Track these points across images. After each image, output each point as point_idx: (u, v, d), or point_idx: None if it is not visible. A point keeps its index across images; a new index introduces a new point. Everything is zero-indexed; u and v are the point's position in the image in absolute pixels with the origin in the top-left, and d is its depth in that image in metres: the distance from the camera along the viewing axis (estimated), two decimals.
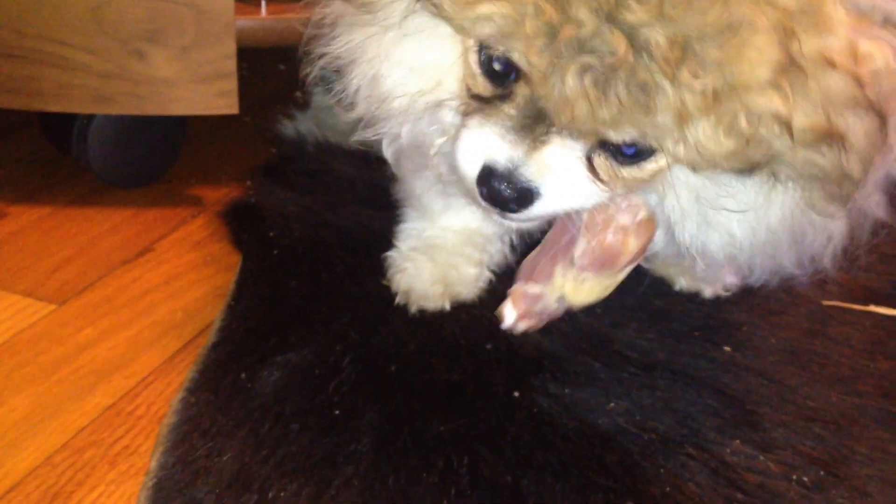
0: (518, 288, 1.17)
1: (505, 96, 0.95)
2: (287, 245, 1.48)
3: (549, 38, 0.85)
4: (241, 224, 1.56)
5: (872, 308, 1.38)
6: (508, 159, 0.96)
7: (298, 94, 2.04)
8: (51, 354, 1.26)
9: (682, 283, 1.41)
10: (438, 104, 1.03)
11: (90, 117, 1.59)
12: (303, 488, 1.03)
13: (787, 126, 0.86)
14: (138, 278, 1.43)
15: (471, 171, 0.99)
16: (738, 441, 1.13)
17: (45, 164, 1.77)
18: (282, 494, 1.02)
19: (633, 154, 0.95)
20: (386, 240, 1.45)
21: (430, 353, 1.25)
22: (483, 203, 1.00)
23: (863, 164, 0.90)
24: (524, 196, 0.97)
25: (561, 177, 0.96)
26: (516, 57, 0.89)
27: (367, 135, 1.15)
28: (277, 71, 2.23)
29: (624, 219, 1.06)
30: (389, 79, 1.04)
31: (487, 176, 0.97)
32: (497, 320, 1.19)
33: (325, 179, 1.71)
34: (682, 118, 0.85)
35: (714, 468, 1.09)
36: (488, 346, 1.27)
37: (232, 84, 1.51)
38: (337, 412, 1.14)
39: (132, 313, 1.35)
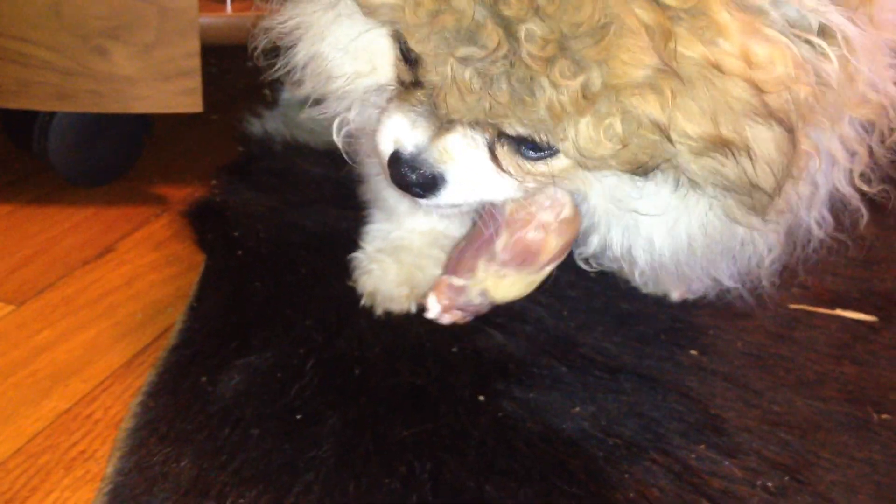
0: (443, 280, 1.15)
1: (420, 82, 0.95)
2: (251, 245, 1.46)
3: (430, 26, 0.85)
4: (204, 224, 1.54)
5: (839, 312, 1.38)
6: (414, 144, 0.96)
7: (267, 91, 2.02)
8: (7, 357, 1.23)
9: (649, 286, 1.41)
10: (379, 88, 1.03)
11: (51, 115, 1.57)
12: (262, 495, 1.01)
13: (663, 131, 0.84)
14: (99, 279, 1.41)
15: (384, 155, 0.99)
16: (702, 446, 1.12)
17: (5, 162, 1.74)
18: (240, 501, 1.01)
19: (535, 149, 0.94)
20: (352, 240, 1.43)
21: (394, 357, 1.24)
22: (394, 187, 1.01)
23: (775, 175, 0.88)
24: (430, 182, 0.97)
25: (464, 165, 0.96)
26: (412, 44, 0.89)
27: (314, 113, 1.14)
28: (246, 68, 2.20)
29: (546, 216, 1.05)
30: (328, 59, 1.04)
31: (395, 160, 0.98)
32: (428, 311, 1.17)
33: (291, 179, 1.69)
34: (558, 116, 0.84)
35: (678, 473, 1.08)
36: (454, 350, 1.26)
37: (196, 82, 1.49)
38: (298, 417, 1.12)
39: (91, 315, 1.32)
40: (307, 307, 1.32)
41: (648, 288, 1.41)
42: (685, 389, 1.21)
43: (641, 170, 0.91)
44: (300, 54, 1.07)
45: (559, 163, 0.95)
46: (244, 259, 1.43)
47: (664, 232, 1.00)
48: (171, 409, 1.13)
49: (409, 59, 0.95)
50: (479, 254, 1.11)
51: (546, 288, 1.39)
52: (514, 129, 0.90)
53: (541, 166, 0.96)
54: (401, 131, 0.98)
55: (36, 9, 1.43)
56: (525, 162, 0.96)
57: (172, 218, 1.58)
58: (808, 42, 0.84)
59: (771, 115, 0.83)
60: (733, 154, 0.86)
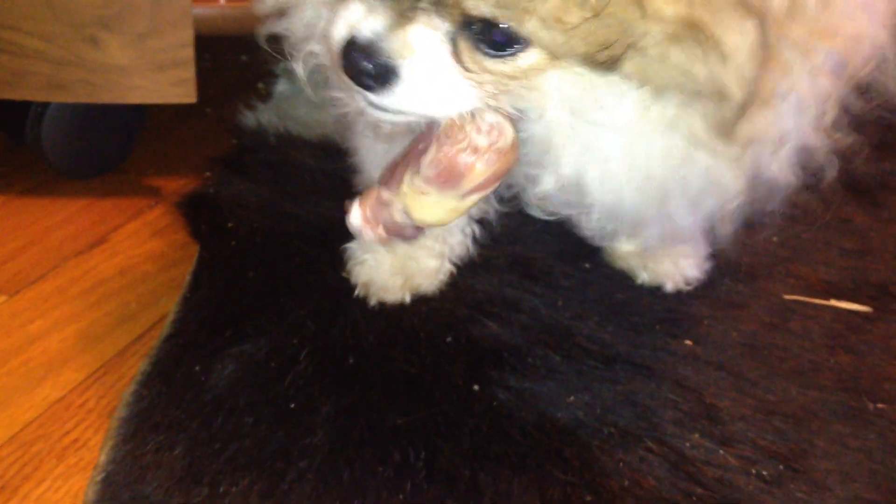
0: (372, 190, 1.09)
1: None
2: (245, 236, 1.45)
3: None
4: (198, 215, 1.53)
5: (833, 302, 1.38)
6: (371, 31, 0.91)
7: (261, 84, 2.02)
8: (0, 346, 1.22)
9: (644, 276, 1.41)
10: None
11: (44, 105, 1.56)
12: (255, 483, 1.01)
13: (637, 1, 0.80)
14: (92, 269, 1.40)
15: (336, 42, 0.94)
16: (697, 435, 1.12)
17: None
18: (233, 489, 1.00)
19: (500, 44, 0.88)
20: (345, 231, 1.42)
21: (388, 345, 1.24)
22: (345, 78, 0.94)
23: (742, 81, 0.84)
24: (383, 73, 0.91)
25: (423, 58, 0.91)
26: None
27: (277, 28, 1.09)
28: (240, 62, 2.20)
29: (480, 140, 0.98)
30: None
31: (349, 47, 0.92)
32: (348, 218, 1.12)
33: (285, 170, 1.68)
34: None
35: (673, 462, 1.08)
36: (448, 339, 1.25)
37: (189, 72, 1.48)
38: (292, 405, 1.12)
39: (84, 305, 1.32)
40: (301, 297, 1.32)
41: (644, 278, 1.40)
42: (680, 378, 1.21)
43: (608, 57, 0.86)
44: None
45: (522, 62, 0.90)
46: (238, 249, 1.42)
47: (621, 152, 0.96)
48: (164, 397, 1.13)
49: None
50: (407, 166, 1.04)
51: (540, 278, 1.41)
52: (478, 6, 0.85)
53: (502, 65, 0.90)
54: (357, 17, 0.92)
55: None
56: (487, 60, 0.90)
57: (166, 209, 1.58)
58: None
59: (745, 5, 0.80)
60: (704, 46, 0.82)
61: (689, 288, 1.39)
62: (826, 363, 1.25)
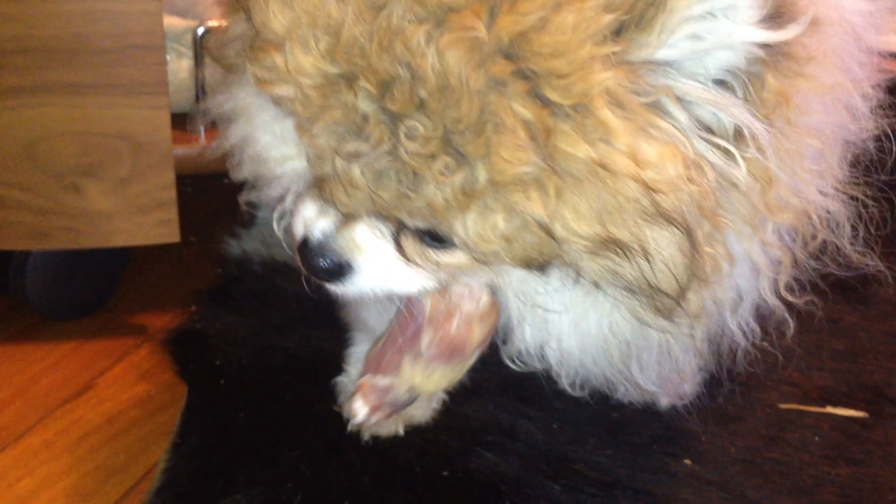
0: (367, 381, 1.12)
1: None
2: (234, 374, 1.44)
3: (320, 120, 0.85)
4: (186, 353, 1.52)
5: (829, 409, 1.37)
6: (321, 231, 0.97)
7: (244, 209, 2.02)
8: None
9: (576, 389, 1.38)
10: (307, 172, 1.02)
11: (27, 252, 1.56)
12: None
13: (546, 231, 0.83)
14: (79, 419, 1.38)
15: (296, 239, 1.00)
16: None
17: None
18: None
19: (439, 240, 0.92)
20: (335, 362, 1.42)
21: (385, 485, 1.22)
22: (304, 270, 1.00)
23: (676, 278, 0.86)
24: (338, 269, 0.97)
25: (371, 255, 0.96)
26: (304, 139, 0.89)
27: (251, 197, 1.17)
28: (222, 186, 2.21)
29: (468, 307, 1.03)
30: (258, 142, 1.05)
31: (304, 246, 0.98)
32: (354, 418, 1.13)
33: (271, 300, 1.68)
34: (441, 212, 0.84)
35: None
36: (445, 473, 1.24)
37: (172, 213, 1.49)
38: None
39: (72, 459, 1.30)
40: (293, 437, 1.30)
41: (578, 391, 1.39)
42: (682, 503, 1.19)
43: (536, 267, 0.90)
44: (233, 137, 1.09)
45: (463, 254, 0.93)
46: (227, 388, 1.41)
47: (571, 330, 0.99)
48: None
49: None
50: (402, 351, 1.08)
51: (534, 400, 1.40)
52: (411, 223, 0.90)
53: (447, 257, 0.94)
54: (309, 218, 0.98)
55: (9, 151, 1.43)
56: (431, 252, 0.94)
57: (153, 348, 1.57)
58: (715, 145, 0.83)
59: (664, 217, 0.81)
60: (627, 255, 0.84)
61: (683, 402, 1.38)
62: (827, 477, 1.24)
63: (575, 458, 1.27)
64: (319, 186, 0.94)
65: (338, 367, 1.41)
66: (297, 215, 0.99)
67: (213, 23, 1.59)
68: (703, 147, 0.83)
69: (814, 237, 0.98)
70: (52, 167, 1.44)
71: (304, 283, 1.06)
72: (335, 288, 1.00)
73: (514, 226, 0.84)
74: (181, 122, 1.61)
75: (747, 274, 0.98)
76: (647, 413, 1.37)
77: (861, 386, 1.43)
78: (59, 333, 1.61)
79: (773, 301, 1.02)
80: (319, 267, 0.97)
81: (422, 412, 1.34)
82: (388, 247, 0.95)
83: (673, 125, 0.81)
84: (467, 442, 1.30)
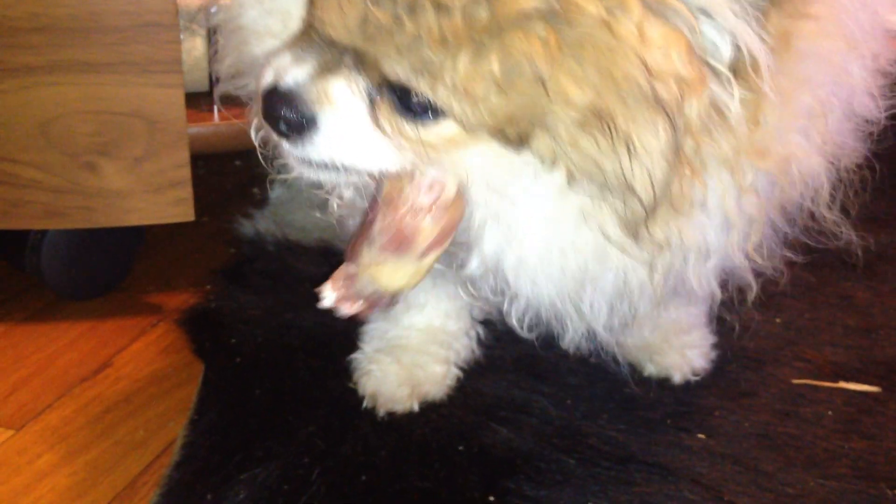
0: (342, 268, 1.07)
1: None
2: (249, 351, 1.45)
3: None
4: (201, 332, 1.53)
5: (842, 384, 1.38)
6: (293, 78, 0.93)
7: (256, 190, 2.03)
8: (9, 485, 1.21)
9: (651, 368, 1.40)
10: None
11: (43, 232, 1.56)
12: None
13: (540, 81, 0.81)
14: (97, 396, 1.39)
15: (262, 86, 0.95)
16: None
17: None
18: None
19: (417, 111, 0.90)
20: (350, 340, 1.43)
21: (400, 460, 1.22)
22: (264, 122, 0.96)
23: (652, 181, 0.85)
24: (300, 122, 0.93)
25: (341, 113, 0.92)
26: None
27: (230, 87, 1.14)
28: (234, 167, 2.22)
29: (422, 199, 0.98)
30: (245, 16, 1.05)
31: (271, 93, 0.94)
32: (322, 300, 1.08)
33: (285, 279, 1.69)
34: (436, 42, 0.81)
35: None
36: (460, 448, 1.24)
37: (187, 192, 1.49)
38: None
39: (92, 435, 1.31)
40: (309, 413, 1.31)
41: (651, 370, 1.40)
42: (696, 476, 1.19)
43: (514, 141, 0.88)
44: (220, 13, 1.10)
45: (440, 129, 0.91)
46: (243, 366, 1.42)
47: (534, 237, 0.97)
48: None
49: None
50: (363, 237, 1.04)
51: (547, 376, 1.41)
52: (395, 69, 0.86)
53: (421, 131, 0.91)
54: (283, 65, 0.94)
55: (25, 130, 1.44)
56: (404, 124, 0.91)
57: (168, 327, 1.57)
58: (714, 70, 0.83)
59: (658, 104, 0.81)
60: (612, 138, 0.83)
61: (696, 378, 1.39)
62: (841, 450, 1.25)
63: (589, 433, 1.28)
64: (309, 33, 0.92)
65: (352, 343, 1.42)
66: (268, 65, 0.95)
67: (226, 1, 1.59)
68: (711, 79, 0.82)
69: (792, 190, 0.96)
70: (67, 146, 1.45)
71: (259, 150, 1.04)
72: (293, 149, 0.96)
73: (507, 70, 0.82)
74: (193, 101, 1.62)
75: (718, 229, 0.96)
76: (660, 388, 1.38)
77: (874, 361, 1.43)
78: (76, 313, 1.62)
79: (738, 260, 1.00)
80: (281, 116, 0.93)
81: (436, 389, 1.35)
82: (361, 108, 0.92)
83: (685, 13, 0.80)
84: (482, 417, 1.30)
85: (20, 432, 1.31)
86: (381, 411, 1.31)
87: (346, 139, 0.94)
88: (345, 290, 1.05)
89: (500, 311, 1.39)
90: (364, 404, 1.32)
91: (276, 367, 1.41)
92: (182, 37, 1.54)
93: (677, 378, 1.39)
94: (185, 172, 1.49)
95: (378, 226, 1.01)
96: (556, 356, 1.44)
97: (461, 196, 0.99)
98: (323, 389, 1.36)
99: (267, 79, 0.95)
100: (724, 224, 0.96)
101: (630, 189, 0.86)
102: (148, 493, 1.19)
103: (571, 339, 1.18)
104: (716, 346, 1.43)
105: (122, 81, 1.42)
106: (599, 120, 0.83)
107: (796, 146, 0.93)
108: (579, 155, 0.86)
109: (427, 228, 0.99)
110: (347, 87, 0.92)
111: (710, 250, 0.98)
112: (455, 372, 1.38)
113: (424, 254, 1.01)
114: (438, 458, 1.22)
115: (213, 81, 1.64)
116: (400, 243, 1.00)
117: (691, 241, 0.94)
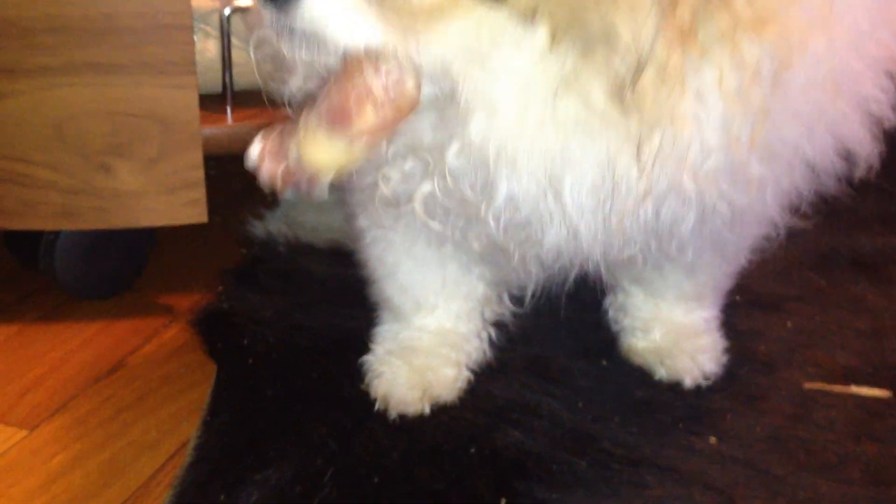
0: (277, 125, 1.04)
1: None
2: (261, 352, 1.46)
3: None
4: (214, 332, 1.53)
5: (853, 389, 1.37)
6: None
7: (267, 191, 2.04)
8: (23, 485, 1.22)
9: (661, 372, 1.40)
10: None
11: (56, 232, 1.57)
12: None
13: None
14: (111, 396, 1.40)
15: None
16: None
17: (10, 280, 1.74)
18: None
19: None
20: (361, 341, 1.43)
21: (412, 462, 1.23)
22: None
23: (634, 30, 0.81)
24: None
25: None
26: None
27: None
28: (245, 169, 2.22)
29: (375, 82, 0.94)
30: None
31: None
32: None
33: (297, 280, 1.70)
34: None
35: None
36: (471, 450, 1.25)
37: (200, 193, 1.50)
38: None
39: (105, 435, 1.31)
40: (321, 414, 1.31)
41: (661, 374, 1.40)
42: (708, 479, 1.19)
43: None
44: None
45: None
46: (255, 367, 1.42)
47: (515, 110, 0.92)
48: None
49: None
50: (312, 103, 1.00)
51: (558, 379, 1.41)
52: None
53: None
54: None
55: (39, 130, 1.45)
56: None
57: (181, 328, 1.58)
58: None
59: None
60: None
61: (708, 382, 1.39)
62: (853, 454, 1.24)
63: (600, 436, 1.28)
64: None
65: (364, 344, 1.42)
66: None
67: (240, 3, 1.60)
68: None
69: (791, 67, 0.88)
70: (81, 147, 1.46)
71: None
72: (277, 17, 0.93)
73: None
74: (206, 103, 1.63)
75: (716, 127, 0.89)
76: (671, 392, 1.38)
77: (885, 365, 1.43)
78: (89, 313, 1.63)
79: (741, 156, 0.92)
80: None
81: (447, 391, 1.35)
82: None
83: None
84: (493, 420, 1.31)
85: (34, 433, 1.32)
86: (393, 413, 1.31)
87: (330, 5, 0.92)
88: (273, 144, 1.02)
89: (511, 313, 1.42)
90: (376, 406, 1.33)
91: (287, 368, 1.42)
92: (195, 38, 1.55)
93: (688, 382, 1.39)
94: (199, 173, 1.49)
95: (322, 95, 0.98)
96: (568, 358, 1.45)
97: (413, 102, 0.96)
98: (335, 390, 1.37)
99: None
100: (722, 123, 0.90)
101: (612, 37, 0.83)
102: (161, 493, 1.20)
103: (552, 243, 1.06)
104: (727, 349, 1.43)
105: (136, 83, 1.43)
106: None
107: (797, 17, 0.85)
108: (563, 13, 0.84)
109: (369, 112, 0.96)
110: None
111: (709, 147, 0.91)
112: (466, 374, 1.38)
113: (355, 139, 0.97)
114: (450, 460, 1.23)
115: (226, 84, 1.65)
116: (334, 118, 0.96)
117: (684, 126, 0.88)
